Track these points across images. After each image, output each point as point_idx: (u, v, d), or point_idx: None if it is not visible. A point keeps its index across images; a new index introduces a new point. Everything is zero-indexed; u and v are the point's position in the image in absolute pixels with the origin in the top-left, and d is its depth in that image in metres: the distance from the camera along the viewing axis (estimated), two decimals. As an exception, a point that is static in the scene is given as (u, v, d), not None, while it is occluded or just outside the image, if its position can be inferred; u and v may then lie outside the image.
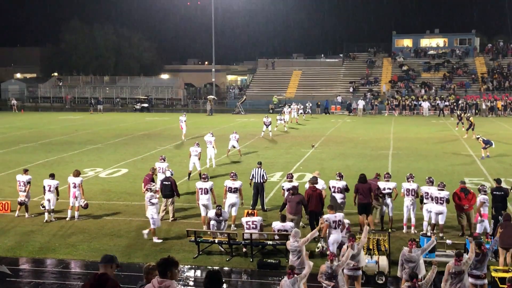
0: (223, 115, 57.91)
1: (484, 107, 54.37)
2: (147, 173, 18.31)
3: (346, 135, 38.30)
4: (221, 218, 14.91)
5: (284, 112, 45.26)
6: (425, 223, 15.67)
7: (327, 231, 13.57)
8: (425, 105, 56.35)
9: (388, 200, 16.23)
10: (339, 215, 13.77)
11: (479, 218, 14.87)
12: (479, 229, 14.71)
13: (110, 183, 22.83)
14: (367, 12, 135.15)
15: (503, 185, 15.94)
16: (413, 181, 16.23)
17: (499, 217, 14.09)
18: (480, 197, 15.05)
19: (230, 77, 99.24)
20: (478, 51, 72.51)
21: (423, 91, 62.35)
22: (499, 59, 69.06)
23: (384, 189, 16.33)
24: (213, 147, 25.89)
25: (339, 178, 16.71)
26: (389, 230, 15.68)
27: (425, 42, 74.78)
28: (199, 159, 23.16)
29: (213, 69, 74.91)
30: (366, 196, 16.05)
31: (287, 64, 75.37)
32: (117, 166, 26.58)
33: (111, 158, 29.01)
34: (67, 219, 17.27)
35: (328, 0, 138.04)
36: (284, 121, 42.32)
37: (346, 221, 14.08)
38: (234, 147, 28.74)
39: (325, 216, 13.98)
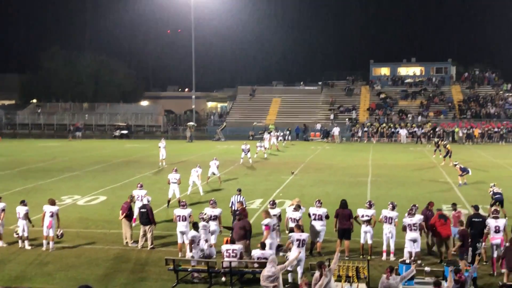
0: (203, 141, 57.89)
1: (461, 134, 55.09)
2: (125, 201, 18.19)
3: (325, 162, 38.49)
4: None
5: (264, 139, 45.42)
6: (405, 250, 15.73)
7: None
8: (403, 132, 56.94)
9: (368, 227, 16.30)
10: (304, 235, 14.25)
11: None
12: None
13: (88, 211, 22.61)
14: (345, 41, 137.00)
15: (481, 212, 16.11)
16: (392, 209, 16.31)
17: (477, 244, 14.21)
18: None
19: (210, 104, 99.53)
20: (454, 80, 73.75)
21: (400, 119, 63.01)
22: (475, 87, 70.23)
23: (362, 216, 16.43)
24: (198, 176, 25.83)
25: (319, 205, 16.78)
26: (369, 257, 15.71)
27: (402, 71, 75.88)
28: (178, 185, 23.09)
29: (193, 96, 75.07)
30: (345, 222, 16.20)
31: (267, 92, 75.84)
32: (95, 193, 26.35)
33: (90, 185, 28.77)
34: (43, 248, 17.01)
35: (307, 29, 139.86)
36: (264, 148, 42.43)
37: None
38: (214, 174, 28.71)
39: (290, 234, 14.55)
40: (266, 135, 47.53)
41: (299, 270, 13.94)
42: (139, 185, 20.22)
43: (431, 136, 54.64)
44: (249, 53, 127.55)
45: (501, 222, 15.16)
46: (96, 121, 75.48)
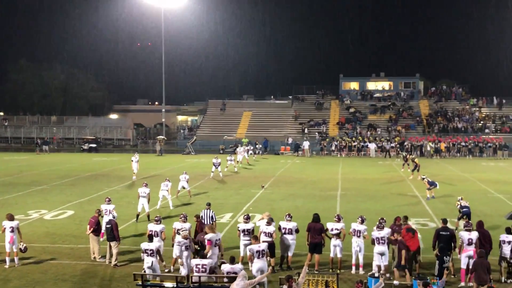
0: (173, 155, 57.58)
1: (428, 148, 55.85)
2: (93, 215, 17.93)
3: (295, 176, 38.58)
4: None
5: (237, 152, 45.36)
6: (373, 263, 15.80)
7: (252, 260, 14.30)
8: (372, 146, 57.45)
9: (337, 241, 16.33)
10: (263, 245, 14.49)
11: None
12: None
13: (55, 226, 22.22)
14: (315, 55, 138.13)
15: (449, 225, 16.28)
16: (360, 223, 16.41)
17: (444, 257, 14.34)
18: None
19: (180, 118, 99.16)
20: (422, 94, 74.93)
21: (369, 133, 63.66)
22: (442, 102, 71.42)
23: (332, 229, 16.48)
24: (168, 190, 25.63)
25: (289, 219, 16.79)
26: (338, 271, 15.73)
27: (371, 85, 76.77)
28: (148, 200, 22.90)
29: (163, 110, 74.72)
30: (317, 236, 16.24)
31: (237, 105, 75.96)
32: (62, 208, 25.94)
33: (57, 199, 28.33)
34: (6, 266, 16.61)
35: (277, 43, 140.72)
36: (236, 162, 42.35)
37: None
38: (184, 188, 28.54)
39: (249, 247, 14.65)
40: (239, 149, 47.51)
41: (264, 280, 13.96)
42: (107, 200, 19.96)
43: (400, 150, 55.28)
44: (219, 66, 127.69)
45: (473, 235, 15.35)
46: (64, 135, 74.59)
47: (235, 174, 39.79)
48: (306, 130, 65.90)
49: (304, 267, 12.66)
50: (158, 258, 14.83)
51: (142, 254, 14.82)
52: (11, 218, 17.02)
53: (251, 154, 50.70)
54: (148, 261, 14.67)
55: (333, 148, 58.76)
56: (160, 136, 62.87)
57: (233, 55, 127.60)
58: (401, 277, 14.91)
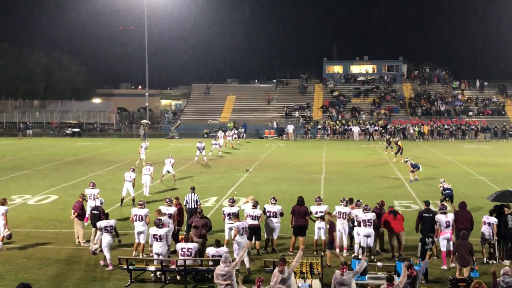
0: (157, 139, 57.37)
1: (412, 131, 56.22)
2: (77, 200, 17.89)
3: (280, 160, 38.68)
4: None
5: (218, 137, 45.30)
6: (356, 246, 15.98)
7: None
8: (355, 129, 57.68)
9: (321, 224, 16.47)
10: (246, 223, 15.18)
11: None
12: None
13: (39, 210, 22.14)
14: (299, 39, 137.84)
15: (431, 207, 16.48)
16: (345, 205, 16.58)
17: (426, 239, 14.52)
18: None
19: (164, 102, 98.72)
20: (405, 78, 75.23)
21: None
22: (425, 85, 71.81)
23: (316, 212, 16.61)
24: (150, 175, 25.53)
25: (274, 202, 16.89)
26: (322, 253, 15.88)
27: (354, 69, 76.89)
28: (133, 185, 22.88)
29: (147, 94, 74.33)
30: (301, 219, 16.36)
31: (221, 89, 75.72)
32: (46, 192, 25.83)
33: (40, 184, 28.19)
34: (-8, 249, 16.58)
35: (261, 27, 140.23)
36: (219, 146, 42.33)
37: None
38: (168, 172, 28.52)
39: (234, 224, 15.10)
40: (219, 133, 47.44)
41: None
42: (91, 184, 19.90)
43: (383, 133, 55.60)
44: (203, 50, 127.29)
45: (450, 217, 15.56)
46: (47, 119, 73.96)
47: (219, 158, 39.81)
48: (297, 114, 65.84)
49: (299, 251, 12.72)
50: (114, 233, 15.50)
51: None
52: (2, 202, 16.87)
53: (235, 138, 50.69)
54: (108, 238, 15.29)
55: (323, 132, 58.87)
56: (144, 121, 62.57)
57: (217, 39, 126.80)
58: (334, 256, 15.36)
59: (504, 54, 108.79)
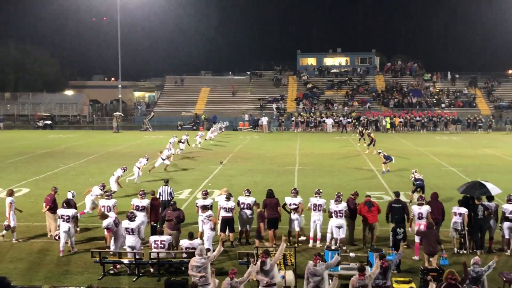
0: (130, 132, 57.02)
1: (384, 123, 56.74)
2: (49, 193, 17.71)
3: (254, 152, 38.74)
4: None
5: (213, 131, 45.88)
6: (328, 235, 16.12)
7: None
8: (329, 121, 57.98)
9: (295, 215, 16.56)
10: (208, 213, 15.46)
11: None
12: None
13: (10, 204, 21.82)
14: (273, 31, 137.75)
15: (402, 198, 16.67)
16: (320, 196, 16.70)
17: (398, 229, 14.70)
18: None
19: (137, 94, 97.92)
20: (378, 70, 75.82)
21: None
22: (398, 77, 72.45)
23: (290, 204, 16.69)
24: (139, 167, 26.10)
25: (247, 194, 16.93)
26: (296, 244, 15.97)
27: (328, 61, 77.19)
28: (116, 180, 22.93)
29: (120, 85, 73.65)
30: (274, 211, 16.41)
31: (195, 81, 75.39)
32: (18, 185, 25.48)
33: (12, 177, 27.82)
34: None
35: (235, 19, 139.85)
36: (202, 138, 42.15)
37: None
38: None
39: (208, 213, 15.55)
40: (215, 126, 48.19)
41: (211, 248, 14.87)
42: (101, 185, 19.61)
43: (356, 125, 56.01)
44: (176, 41, 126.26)
45: (424, 209, 15.76)
46: (18, 111, 72.90)
47: (194, 150, 39.65)
48: (275, 106, 65.83)
49: (282, 243, 12.72)
50: (73, 224, 15.72)
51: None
52: (10, 193, 17.44)
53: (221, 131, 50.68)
54: (64, 226, 15.58)
55: (300, 124, 59.06)
56: (117, 113, 62.04)
57: (191, 31, 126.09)
58: (260, 244, 15.60)
59: (475, 47, 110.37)
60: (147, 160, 27.45)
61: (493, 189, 16.31)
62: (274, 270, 11.76)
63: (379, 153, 30.14)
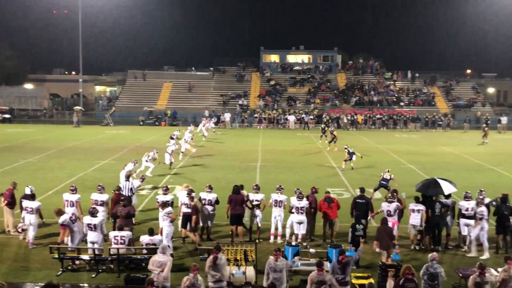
0: (91, 126, 56.26)
1: (345, 121, 57.36)
2: (8, 188, 17.41)
3: (216, 148, 38.71)
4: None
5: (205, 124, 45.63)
6: (287, 230, 16.27)
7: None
8: (291, 118, 58.30)
9: (257, 211, 16.65)
10: (167, 210, 15.43)
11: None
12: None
13: (-34, 199, 21.36)
14: (237, 27, 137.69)
15: (366, 194, 16.97)
16: (281, 193, 16.81)
17: (357, 225, 14.92)
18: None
19: (98, 88, 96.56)
20: (340, 68, 76.55)
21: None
22: (359, 75, 73.28)
23: (252, 200, 16.77)
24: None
25: (209, 191, 16.94)
26: (257, 240, 16.07)
27: (291, 58, 77.51)
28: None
29: (81, 80, 72.56)
30: (239, 207, 16.44)
31: (157, 76, 74.85)
32: (-26, 180, 24.94)
33: (-32, 172, 27.22)
34: None
35: (198, 14, 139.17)
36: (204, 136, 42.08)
37: None
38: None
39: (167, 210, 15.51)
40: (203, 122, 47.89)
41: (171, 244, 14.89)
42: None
43: (318, 122, 56.44)
44: (139, 36, 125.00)
45: (392, 207, 16.03)
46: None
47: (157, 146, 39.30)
48: (243, 102, 65.79)
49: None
50: (37, 215, 15.93)
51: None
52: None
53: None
54: (29, 218, 15.70)
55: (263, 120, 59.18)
56: (77, 107, 61.12)
57: (154, 25, 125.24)
58: (194, 238, 15.81)
59: (435, 47, 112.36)
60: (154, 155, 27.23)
61: (448, 188, 16.65)
62: (225, 266, 11.89)
63: (346, 148, 30.29)
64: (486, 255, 15.40)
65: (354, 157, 29.49)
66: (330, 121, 56.44)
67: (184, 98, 68.35)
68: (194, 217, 15.69)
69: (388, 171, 22.00)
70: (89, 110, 72.37)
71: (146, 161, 26.48)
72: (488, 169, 30.67)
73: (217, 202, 16.90)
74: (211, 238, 16.69)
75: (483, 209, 15.82)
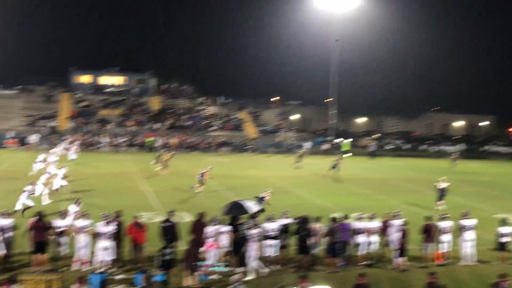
0: None
1: (160, 143, 57.62)
2: None
3: (21, 171, 36.58)
4: None
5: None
6: (95, 258, 15.95)
7: None
8: (104, 141, 57.16)
9: (63, 238, 16.13)
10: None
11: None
12: None
13: None
14: (47, 45, 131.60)
15: (172, 219, 17.18)
16: (86, 218, 16.45)
17: (164, 249, 15.05)
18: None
19: None
20: (154, 91, 76.89)
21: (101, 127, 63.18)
22: (173, 99, 74.14)
23: (59, 227, 16.22)
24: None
25: (6, 217, 16.07)
26: (64, 268, 15.52)
27: (104, 80, 76.18)
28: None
29: None
30: (41, 234, 15.73)
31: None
32: None
33: None
34: None
35: (6, 28, 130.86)
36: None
37: None
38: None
39: None
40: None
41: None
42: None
43: (132, 145, 55.98)
44: None
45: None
46: None
47: None
48: (56, 123, 62.55)
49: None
50: None
51: None
52: None
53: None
54: None
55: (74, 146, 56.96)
56: None
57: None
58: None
59: (246, 74, 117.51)
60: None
61: (251, 208, 17.64)
62: None
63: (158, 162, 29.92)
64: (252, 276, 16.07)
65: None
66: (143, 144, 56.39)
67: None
68: None
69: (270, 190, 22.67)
70: None
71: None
72: (289, 191, 32.62)
73: (14, 228, 16.05)
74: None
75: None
